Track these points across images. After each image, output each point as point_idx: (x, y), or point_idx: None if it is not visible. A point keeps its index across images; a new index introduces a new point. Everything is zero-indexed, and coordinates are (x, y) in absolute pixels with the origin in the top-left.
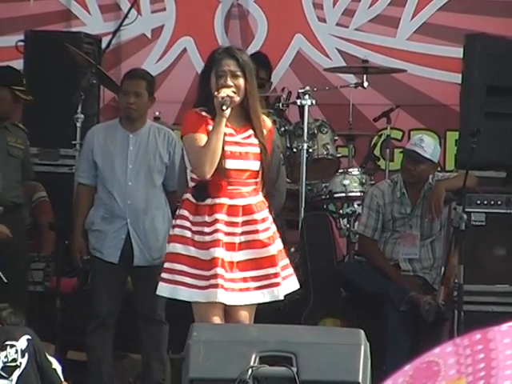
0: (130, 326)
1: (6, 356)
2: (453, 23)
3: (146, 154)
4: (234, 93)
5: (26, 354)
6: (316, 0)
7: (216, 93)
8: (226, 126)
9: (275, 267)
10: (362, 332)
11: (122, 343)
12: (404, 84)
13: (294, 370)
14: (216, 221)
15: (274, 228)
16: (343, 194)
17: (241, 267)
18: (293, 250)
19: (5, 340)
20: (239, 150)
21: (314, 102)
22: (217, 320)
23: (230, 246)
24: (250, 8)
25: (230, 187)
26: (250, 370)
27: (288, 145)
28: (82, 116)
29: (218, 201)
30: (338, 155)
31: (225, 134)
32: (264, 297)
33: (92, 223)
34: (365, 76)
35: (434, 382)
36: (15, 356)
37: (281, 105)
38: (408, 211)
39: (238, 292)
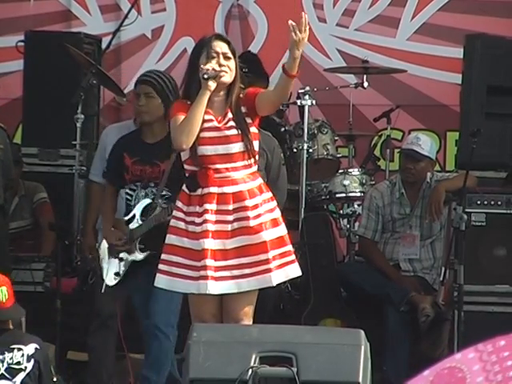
0: (130, 326)
1: (11, 358)
2: (453, 23)
3: None
4: (226, 72)
5: (32, 360)
6: (316, 0)
7: (202, 65)
8: (207, 113)
9: (266, 253)
10: (362, 332)
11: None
12: (404, 84)
13: (295, 370)
14: (205, 211)
15: (272, 215)
16: (343, 195)
17: (235, 254)
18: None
19: (12, 343)
20: (218, 134)
21: (314, 102)
22: (210, 311)
23: (222, 234)
24: (250, 8)
25: (217, 175)
26: (250, 371)
27: (288, 145)
28: (82, 116)
29: (206, 191)
30: (338, 155)
31: (204, 121)
32: (258, 283)
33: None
34: (365, 76)
35: None
36: (20, 359)
37: (281, 105)
38: (407, 211)
39: (231, 280)
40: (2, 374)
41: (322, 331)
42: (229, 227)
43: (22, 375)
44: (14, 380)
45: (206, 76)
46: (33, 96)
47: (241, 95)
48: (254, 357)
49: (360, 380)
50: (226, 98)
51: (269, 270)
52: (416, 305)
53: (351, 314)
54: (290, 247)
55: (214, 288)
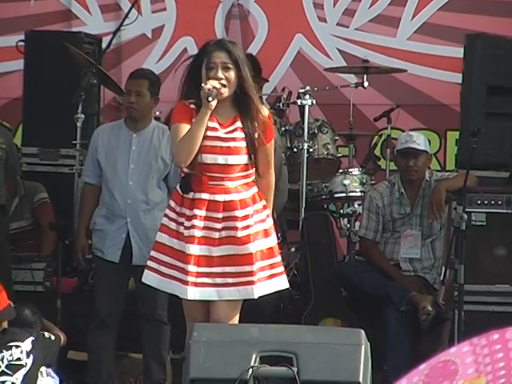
0: (130, 326)
1: (11, 355)
2: (453, 23)
3: (149, 154)
4: (224, 85)
5: (31, 356)
6: (316, 0)
7: (203, 84)
8: (212, 120)
9: (251, 265)
10: (362, 332)
11: (123, 343)
12: (404, 84)
13: (295, 369)
14: (194, 216)
15: (263, 226)
16: (344, 194)
17: (219, 262)
18: (293, 249)
19: (10, 341)
20: (220, 144)
21: (314, 101)
22: (198, 315)
23: (209, 241)
24: (251, 8)
25: (211, 182)
26: (250, 370)
27: (288, 145)
28: (83, 116)
29: (198, 196)
30: (339, 155)
31: (207, 129)
32: (239, 294)
33: (95, 223)
34: (365, 76)
35: (451, 381)
36: (20, 356)
37: (281, 105)
38: (407, 211)
39: (212, 287)
40: (3, 370)
41: (322, 331)
42: (216, 235)
43: (23, 371)
44: (15, 376)
45: (210, 98)
46: (33, 96)
47: (265, 113)
48: (254, 356)
49: (360, 380)
50: (232, 103)
51: (252, 283)
52: (416, 304)
53: (351, 313)
54: (279, 258)
55: (194, 293)
